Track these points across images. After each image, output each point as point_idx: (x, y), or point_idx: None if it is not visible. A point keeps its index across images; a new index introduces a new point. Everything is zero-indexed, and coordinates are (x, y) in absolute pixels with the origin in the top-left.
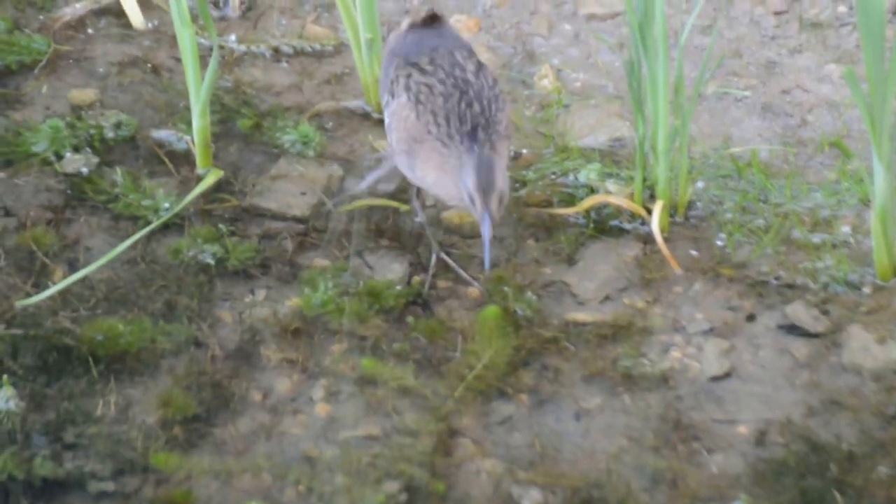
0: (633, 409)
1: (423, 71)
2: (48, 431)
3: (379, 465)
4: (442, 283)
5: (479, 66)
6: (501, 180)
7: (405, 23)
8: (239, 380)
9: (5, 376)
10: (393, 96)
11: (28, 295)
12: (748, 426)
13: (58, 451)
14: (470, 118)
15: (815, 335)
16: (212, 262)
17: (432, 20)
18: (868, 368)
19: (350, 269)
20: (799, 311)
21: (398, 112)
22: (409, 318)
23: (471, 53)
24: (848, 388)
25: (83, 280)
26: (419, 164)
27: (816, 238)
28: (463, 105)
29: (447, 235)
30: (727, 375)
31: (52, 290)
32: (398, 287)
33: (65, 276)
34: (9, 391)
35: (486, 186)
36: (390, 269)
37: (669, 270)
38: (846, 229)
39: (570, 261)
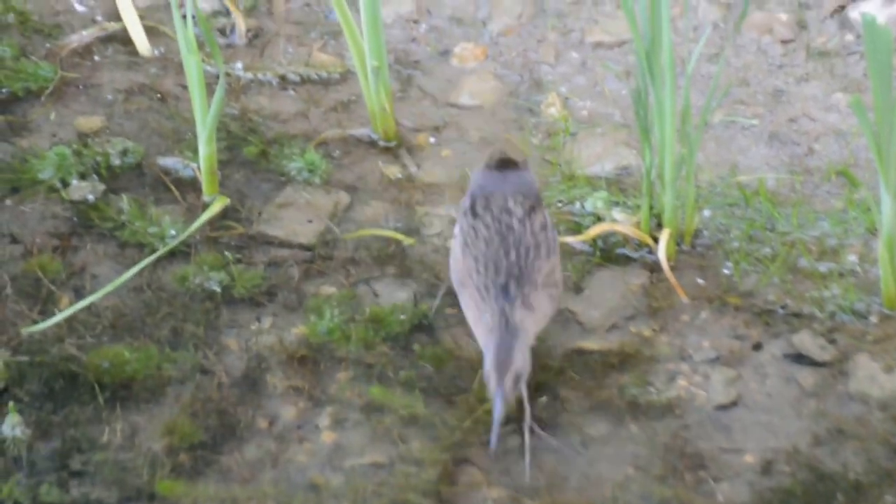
0: (639, 438)
1: (474, 213)
2: (54, 458)
3: (384, 494)
4: (449, 310)
5: (531, 210)
6: (520, 359)
7: (483, 162)
8: (245, 407)
9: (11, 403)
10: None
11: (34, 322)
12: (755, 455)
13: (64, 478)
14: (505, 268)
15: (822, 364)
16: (218, 289)
17: (505, 164)
18: (875, 397)
19: (356, 297)
20: (805, 340)
21: (453, 249)
22: (416, 346)
23: (527, 198)
24: (854, 417)
25: (89, 307)
26: (463, 306)
27: (823, 267)
28: (501, 252)
29: None
30: (734, 404)
31: (58, 318)
32: (403, 316)
33: (71, 304)
34: (15, 418)
35: (500, 367)
36: (396, 297)
37: (676, 299)
38: (853, 258)
39: (577, 289)
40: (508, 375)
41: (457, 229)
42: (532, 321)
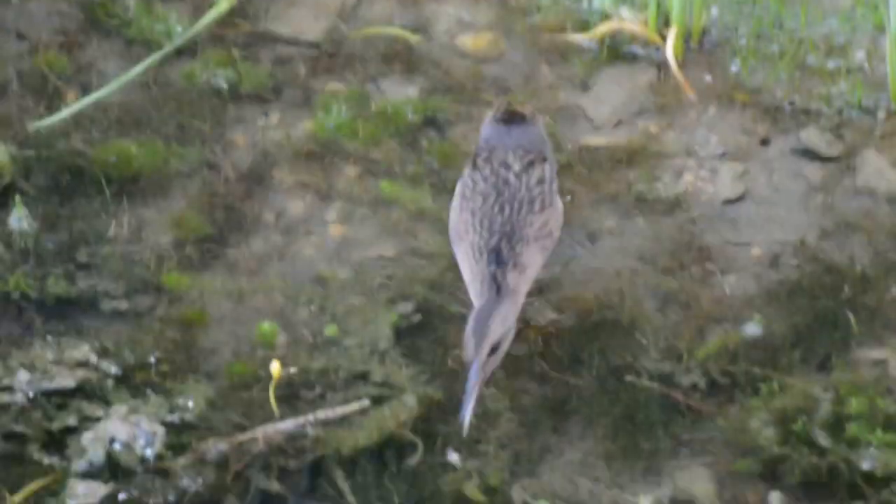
0: (646, 232)
1: (475, 165)
2: (61, 251)
3: (391, 286)
4: (455, 108)
5: (529, 165)
6: (499, 327)
7: (490, 114)
8: (252, 202)
9: (18, 196)
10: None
11: (41, 117)
12: (762, 248)
13: (70, 270)
14: (499, 225)
15: (829, 159)
16: (224, 86)
17: (511, 117)
18: (882, 191)
19: (363, 94)
20: (813, 136)
21: (454, 200)
22: (423, 141)
23: (528, 152)
24: (861, 210)
25: (96, 103)
26: (458, 259)
27: (831, 64)
28: (496, 209)
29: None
30: (741, 198)
31: (64, 113)
32: (410, 112)
33: (77, 99)
34: (21, 211)
35: (478, 335)
36: (403, 93)
37: (684, 96)
38: (861, 55)
39: (584, 86)
40: (485, 343)
41: (460, 181)
42: (524, 280)
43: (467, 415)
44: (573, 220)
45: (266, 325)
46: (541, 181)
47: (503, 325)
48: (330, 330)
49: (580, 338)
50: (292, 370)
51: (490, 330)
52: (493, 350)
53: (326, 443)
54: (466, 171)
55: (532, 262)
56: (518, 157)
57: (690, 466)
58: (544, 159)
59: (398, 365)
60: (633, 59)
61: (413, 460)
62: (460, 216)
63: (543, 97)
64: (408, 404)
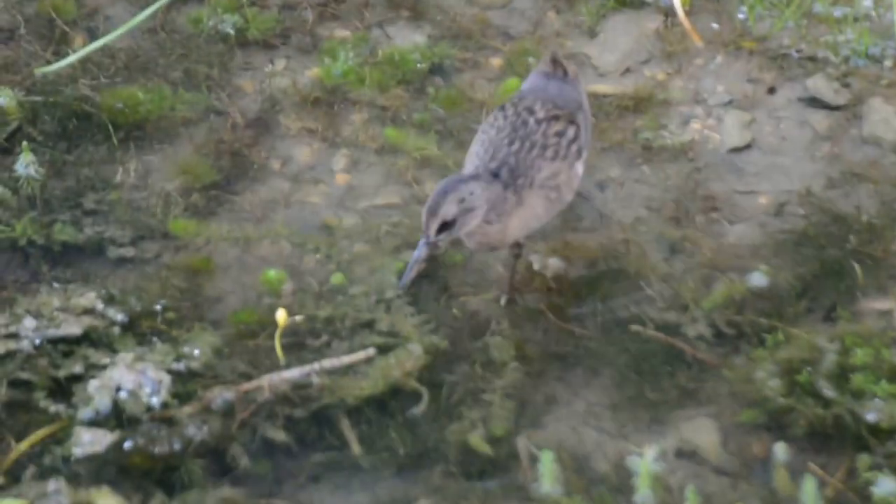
0: (652, 180)
1: (501, 107)
2: (68, 197)
3: (398, 233)
4: (462, 55)
5: (553, 117)
6: (452, 206)
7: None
8: (258, 148)
9: (25, 142)
10: None
11: (48, 62)
12: (768, 197)
13: (77, 216)
14: (503, 155)
15: (836, 108)
16: (231, 31)
17: (555, 66)
18: (888, 141)
19: (370, 40)
20: (820, 84)
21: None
22: (430, 89)
23: (558, 107)
24: (868, 160)
25: (103, 48)
26: None
27: (838, 12)
28: (506, 141)
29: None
30: (747, 147)
31: (72, 58)
32: (417, 59)
33: (84, 45)
34: (28, 157)
35: (431, 209)
36: (410, 40)
37: (690, 43)
38: (868, 3)
39: (591, 33)
40: (434, 220)
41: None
42: (519, 218)
43: (406, 281)
44: None
45: (272, 273)
46: (560, 134)
47: (458, 205)
48: (336, 278)
49: (585, 287)
50: (298, 318)
51: (443, 209)
52: (446, 226)
53: (332, 391)
54: (492, 113)
55: (531, 205)
56: (545, 107)
57: (695, 417)
58: (572, 121)
59: (404, 314)
60: (640, 5)
61: (418, 409)
62: (470, 149)
63: (550, 45)
64: (413, 353)
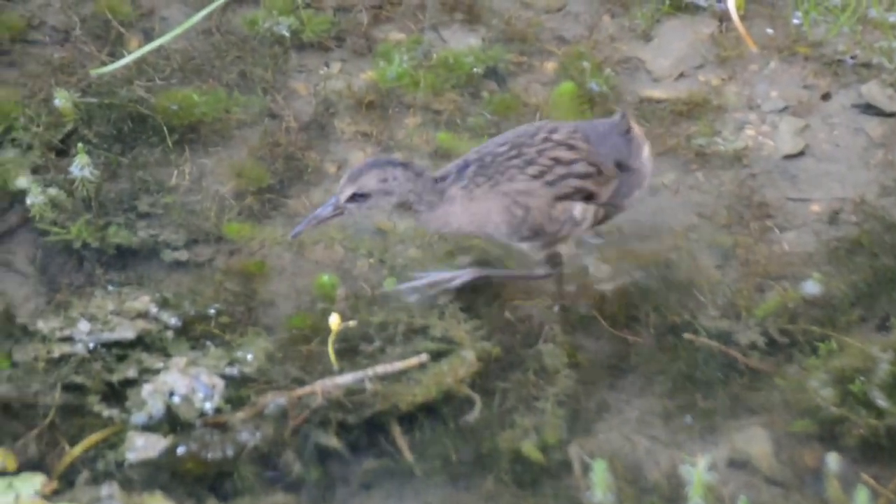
0: (705, 186)
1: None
2: (122, 200)
3: (450, 239)
4: (516, 59)
5: (569, 146)
6: (371, 180)
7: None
8: (312, 152)
9: (80, 144)
10: None
11: (103, 64)
12: (821, 204)
13: (132, 219)
14: (485, 152)
15: (890, 114)
16: (287, 34)
17: (622, 124)
18: None
19: (425, 43)
20: (874, 91)
21: None
22: (484, 93)
23: (587, 142)
24: None
25: (158, 50)
26: None
27: (893, 17)
28: (500, 142)
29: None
30: (801, 154)
31: (127, 60)
32: (472, 62)
33: (140, 46)
34: (83, 159)
35: (351, 176)
36: (465, 43)
37: (745, 48)
38: None
39: (646, 37)
40: (350, 187)
41: None
42: (469, 213)
43: (297, 231)
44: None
45: (326, 278)
46: (558, 161)
47: (378, 182)
48: (389, 283)
49: (638, 295)
50: (351, 323)
51: (362, 179)
52: (358, 197)
53: (385, 398)
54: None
55: (485, 206)
56: (570, 134)
57: (748, 426)
58: (594, 166)
59: (457, 319)
60: (694, 10)
61: (471, 416)
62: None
63: (604, 49)
64: (466, 359)
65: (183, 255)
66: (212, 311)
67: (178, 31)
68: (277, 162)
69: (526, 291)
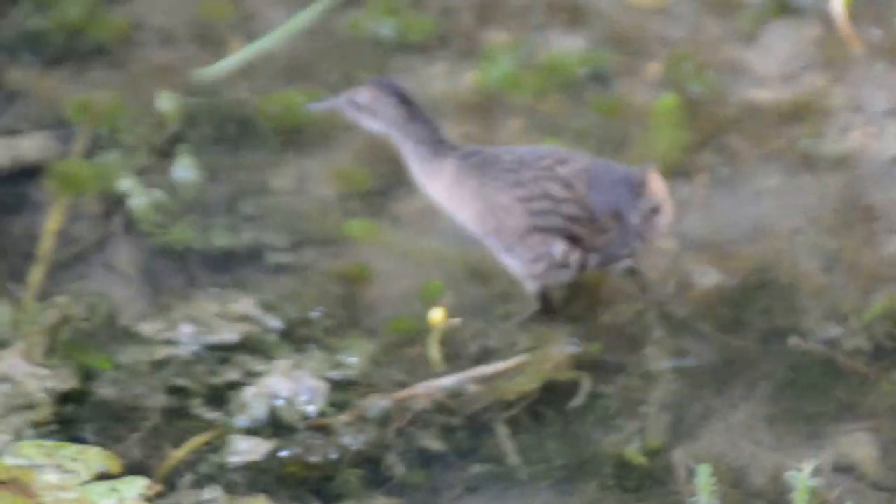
0: (811, 189)
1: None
2: (225, 202)
3: None
4: (620, 61)
5: (557, 175)
6: (367, 96)
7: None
8: None
9: (183, 146)
10: None
11: (207, 66)
12: None
13: (235, 222)
14: (494, 150)
15: None
16: (390, 35)
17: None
18: None
19: (529, 44)
20: None
21: None
22: (588, 95)
23: (581, 176)
24: None
25: (261, 51)
26: None
27: None
28: (506, 150)
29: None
30: None
31: (230, 62)
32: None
33: (243, 48)
34: (187, 161)
35: (369, 82)
36: (569, 45)
37: (851, 50)
38: None
39: (750, 39)
40: (357, 91)
41: None
42: (448, 187)
43: (313, 106)
44: (737, 176)
45: (431, 283)
46: (548, 196)
47: (371, 100)
48: (490, 287)
49: (742, 298)
50: (455, 321)
51: (367, 90)
52: (355, 104)
53: (488, 394)
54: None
55: (463, 197)
56: (577, 165)
57: (854, 431)
58: (594, 226)
59: (558, 322)
60: (799, 11)
61: (578, 400)
62: None
63: (708, 51)
64: (566, 353)
65: (286, 258)
66: (315, 314)
67: (281, 33)
68: (380, 165)
69: (630, 294)
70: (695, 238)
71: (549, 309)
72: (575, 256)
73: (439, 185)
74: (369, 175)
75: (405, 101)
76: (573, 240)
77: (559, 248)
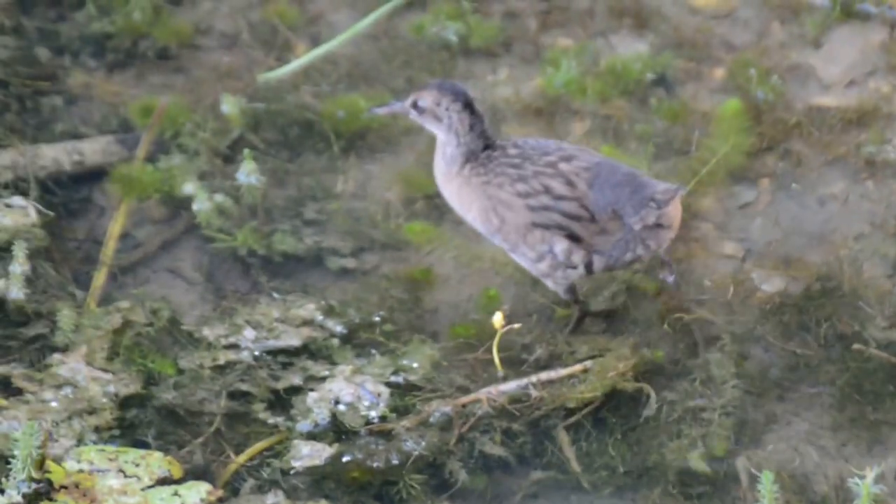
0: (875, 196)
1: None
2: (288, 207)
3: None
4: (685, 65)
5: (560, 171)
6: (430, 100)
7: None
8: None
9: (247, 150)
10: None
11: (271, 69)
12: None
13: (298, 226)
14: (500, 144)
15: None
16: (454, 39)
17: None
18: None
19: (593, 49)
20: None
21: None
22: (652, 100)
23: (584, 173)
24: None
25: (325, 55)
26: None
27: None
28: (513, 144)
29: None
30: None
31: (294, 65)
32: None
33: (307, 51)
34: (250, 165)
35: (422, 85)
36: (633, 49)
37: None
38: None
39: (816, 44)
40: (415, 90)
41: None
42: (458, 191)
43: (377, 111)
44: (801, 182)
45: (492, 290)
46: (548, 191)
47: (433, 105)
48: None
49: (806, 304)
50: (516, 326)
51: (429, 93)
52: (416, 106)
53: (550, 401)
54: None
55: (471, 197)
56: (583, 160)
57: None
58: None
59: (620, 327)
60: (865, 17)
61: (648, 411)
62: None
63: (773, 56)
64: (629, 360)
65: (349, 263)
66: (377, 319)
67: (344, 36)
68: None
69: (695, 301)
70: (759, 244)
71: (587, 311)
72: (578, 256)
73: (452, 187)
74: (432, 178)
75: (468, 106)
76: (574, 239)
77: (560, 246)
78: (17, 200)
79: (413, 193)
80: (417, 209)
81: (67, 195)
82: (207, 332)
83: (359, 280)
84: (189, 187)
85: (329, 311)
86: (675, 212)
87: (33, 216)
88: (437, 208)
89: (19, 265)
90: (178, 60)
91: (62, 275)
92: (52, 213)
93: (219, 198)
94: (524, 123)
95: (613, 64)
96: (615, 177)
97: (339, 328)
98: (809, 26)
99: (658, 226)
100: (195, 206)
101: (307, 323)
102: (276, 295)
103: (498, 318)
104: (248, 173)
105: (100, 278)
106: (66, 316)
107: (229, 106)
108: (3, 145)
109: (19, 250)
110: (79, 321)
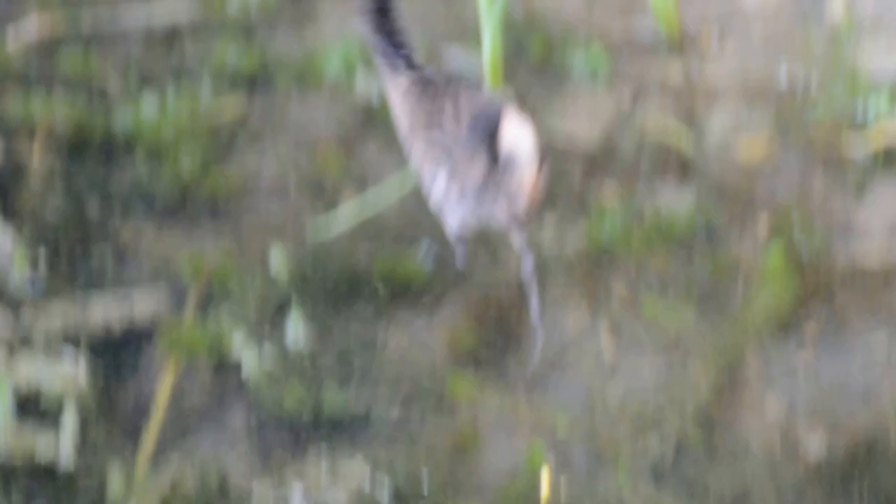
0: None
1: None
2: (335, 364)
3: (661, 417)
4: (728, 217)
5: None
6: None
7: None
8: (526, 314)
9: (295, 309)
10: None
11: (319, 223)
12: None
13: (345, 381)
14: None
15: None
16: None
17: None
18: None
19: (637, 200)
20: None
21: None
22: (696, 252)
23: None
24: None
25: (372, 207)
26: None
27: None
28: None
29: None
30: None
31: (342, 221)
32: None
33: (356, 204)
34: (298, 319)
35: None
36: (677, 200)
37: None
38: None
39: (858, 196)
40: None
41: None
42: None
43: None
44: (845, 339)
45: (537, 449)
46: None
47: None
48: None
49: (850, 468)
50: (560, 485)
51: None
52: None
53: None
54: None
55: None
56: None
57: None
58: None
59: (664, 497)
60: None
61: None
62: None
63: (815, 208)
64: None
65: (395, 418)
66: (424, 476)
67: (391, 192)
68: (490, 324)
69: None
70: (801, 402)
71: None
72: (442, 177)
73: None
74: (480, 333)
75: (371, 20)
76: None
77: (442, 178)
78: (68, 355)
79: (460, 348)
80: (463, 364)
81: (116, 353)
82: (256, 490)
83: (405, 436)
84: (237, 342)
85: (376, 467)
86: (519, 139)
87: (83, 374)
88: (483, 364)
89: (69, 435)
90: (226, 211)
91: (112, 437)
92: (100, 370)
93: (267, 353)
94: (570, 278)
95: (657, 216)
96: (486, 115)
97: (386, 485)
98: (851, 175)
99: (506, 164)
100: (243, 363)
101: (354, 478)
102: (323, 450)
103: (545, 477)
104: (295, 328)
105: (150, 438)
106: (115, 476)
107: (277, 258)
108: (54, 298)
109: (70, 415)
110: (128, 482)
